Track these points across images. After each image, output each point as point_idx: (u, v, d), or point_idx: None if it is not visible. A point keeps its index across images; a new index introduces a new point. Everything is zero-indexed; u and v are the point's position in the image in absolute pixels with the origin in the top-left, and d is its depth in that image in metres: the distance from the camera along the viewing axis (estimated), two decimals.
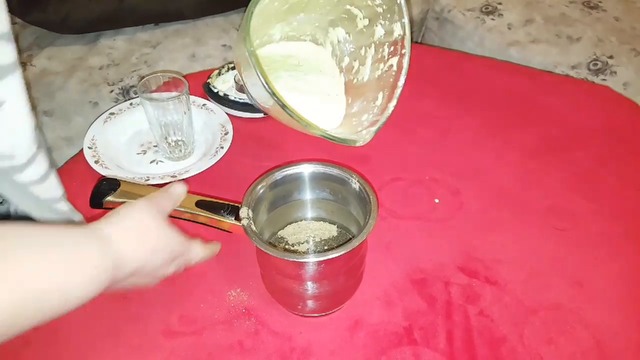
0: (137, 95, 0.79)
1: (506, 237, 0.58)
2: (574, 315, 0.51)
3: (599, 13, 1.04)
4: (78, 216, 0.54)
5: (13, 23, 1.03)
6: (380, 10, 0.47)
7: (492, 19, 1.06)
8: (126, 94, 0.88)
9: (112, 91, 0.87)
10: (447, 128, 0.72)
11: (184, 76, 0.68)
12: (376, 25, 0.47)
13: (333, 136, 0.48)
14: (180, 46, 0.95)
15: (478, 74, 0.83)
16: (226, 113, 0.71)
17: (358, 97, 0.52)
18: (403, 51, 0.46)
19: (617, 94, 0.80)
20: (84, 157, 0.64)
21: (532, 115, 0.75)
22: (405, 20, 0.44)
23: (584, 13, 1.05)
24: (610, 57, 0.96)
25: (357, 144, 0.49)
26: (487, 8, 1.09)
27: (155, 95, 0.64)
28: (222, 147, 0.66)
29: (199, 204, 0.49)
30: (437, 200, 0.62)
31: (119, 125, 0.70)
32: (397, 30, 0.46)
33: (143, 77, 0.64)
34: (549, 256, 0.56)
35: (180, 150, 0.67)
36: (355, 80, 0.51)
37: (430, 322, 0.50)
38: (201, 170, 0.63)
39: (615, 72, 0.94)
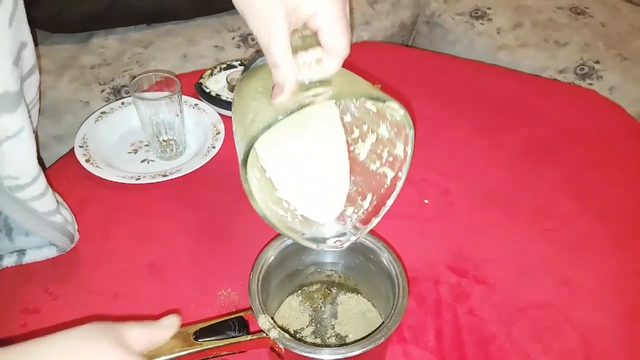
0: (128, 95, 0.79)
1: (495, 237, 0.59)
2: (562, 314, 0.52)
3: (586, 19, 1.06)
4: (71, 226, 0.54)
5: None
6: (390, 119, 0.44)
7: (482, 24, 1.08)
8: (117, 93, 0.87)
9: (103, 90, 0.87)
10: (437, 130, 0.73)
11: (176, 76, 0.68)
12: (383, 123, 0.43)
13: (320, 246, 0.44)
14: (172, 46, 0.94)
15: (468, 77, 0.84)
16: (218, 113, 0.71)
17: (351, 172, 0.46)
18: (399, 174, 0.42)
19: (603, 97, 0.81)
20: (75, 156, 0.64)
21: (520, 118, 0.76)
22: (410, 150, 0.40)
23: (572, 18, 1.06)
24: (597, 62, 0.97)
25: (335, 250, 0.45)
26: (477, 13, 1.10)
27: (147, 94, 0.64)
28: (213, 147, 0.66)
29: (198, 335, 0.40)
30: (426, 201, 0.63)
31: (110, 124, 0.69)
32: (400, 150, 0.43)
33: (135, 77, 0.64)
34: (537, 256, 0.57)
35: (172, 150, 0.67)
36: (352, 149, 0.45)
37: (419, 320, 0.51)
38: (192, 170, 0.63)
39: (602, 77, 0.96)
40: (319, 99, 0.35)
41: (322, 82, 0.37)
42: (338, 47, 0.37)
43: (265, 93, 0.38)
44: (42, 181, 0.49)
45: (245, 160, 0.37)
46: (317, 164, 0.45)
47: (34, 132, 0.57)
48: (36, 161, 0.48)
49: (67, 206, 0.56)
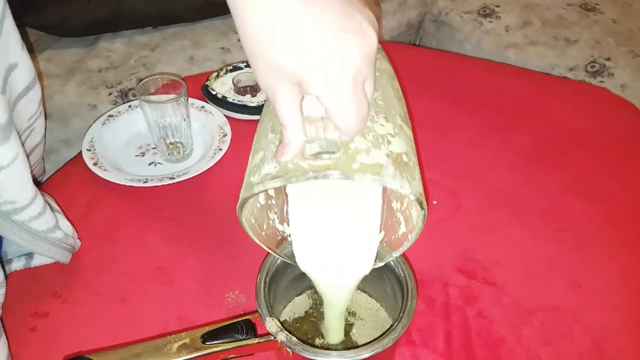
0: (135, 98, 0.80)
1: (504, 238, 0.58)
2: (572, 316, 0.51)
3: (596, 15, 1.05)
4: (72, 240, 0.54)
5: None
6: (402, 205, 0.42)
7: (490, 22, 1.07)
8: (125, 96, 0.88)
9: (110, 94, 0.88)
10: (445, 129, 0.73)
11: (183, 78, 0.68)
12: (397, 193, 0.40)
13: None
14: (178, 49, 0.95)
15: (476, 76, 0.83)
16: (225, 115, 0.71)
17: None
18: (409, 236, 0.40)
19: (614, 95, 0.80)
20: (83, 160, 0.64)
21: (530, 117, 0.75)
22: (421, 223, 0.37)
23: (581, 15, 1.05)
24: (608, 59, 0.96)
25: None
26: (485, 11, 1.09)
27: (153, 97, 0.64)
28: (220, 149, 0.66)
29: (206, 338, 0.40)
30: (435, 202, 0.62)
31: (117, 128, 0.70)
32: (414, 214, 0.40)
33: (142, 80, 0.64)
34: (547, 257, 0.57)
35: (179, 152, 0.67)
36: None
37: (428, 323, 0.50)
38: (199, 172, 0.63)
39: (613, 74, 0.94)
40: (321, 173, 0.32)
41: (331, 149, 0.33)
42: (344, 128, 0.33)
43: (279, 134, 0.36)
44: (40, 201, 0.49)
45: (241, 207, 0.37)
46: (346, 227, 0.41)
47: (43, 140, 0.58)
48: (31, 183, 0.47)
49: (66, 218, 0.55)
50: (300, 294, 0.51)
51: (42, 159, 0.67)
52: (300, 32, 0.30)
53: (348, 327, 0.49)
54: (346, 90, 0.32)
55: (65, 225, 0.54)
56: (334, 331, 0.46)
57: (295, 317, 0.50)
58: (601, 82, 0.94)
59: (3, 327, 0.48)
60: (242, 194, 0.36)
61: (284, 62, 0.31)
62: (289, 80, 0.32)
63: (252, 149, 0.38)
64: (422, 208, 0.35)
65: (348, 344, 0.48)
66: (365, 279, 0.49)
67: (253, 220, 0.41)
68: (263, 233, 0.42)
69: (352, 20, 0.31)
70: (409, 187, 0.33)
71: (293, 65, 0.31)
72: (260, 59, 0.32)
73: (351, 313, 0.50)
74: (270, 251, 0.43)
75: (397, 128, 0.36)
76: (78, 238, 0.56)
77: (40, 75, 0.90)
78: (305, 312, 0.50)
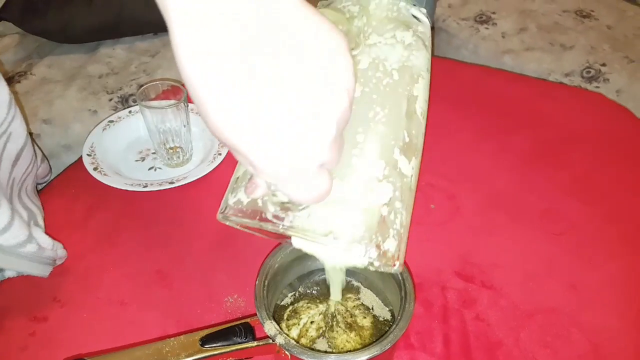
0: (135, 104, 0.80)
1: (502, 241, 0.59)
2: (570, 319, 0.51)
3: (591, 21, 1.06)
4: (50, 252, 0.53)
5: (14, 32, 1.04)
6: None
7: (487, 28, 1.08)
8: (125, 102, 0.88)
9: (111, 99, 0.88)
10: (443, 134, 0.73)
11: (183, 84, 0.68)
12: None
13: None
14: None
15: (473, 81, 0.84)
16: None
17: None
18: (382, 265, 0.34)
19: (610, 100, 0.81)
20: (83, 164, 0.64)
21: (527, 121, 0.75)
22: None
23: (577, 21, 1.06)
24: (603, 64, 0.97)
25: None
26: (482, 17, 1.10)
27: (154, 103, 0.65)
28: (220, 154, 0.66)
29: (204, 341, 0.40)
30: (433, 206, 0.63)
31: (117, 133, 0.70)
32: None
33: (142, 86, 0.65)
34: (545, 260, 0.57)
35: (179, 157, 0.67)
36: None
37: (426, 326, 0.51)
38: (199, 177, 0.63)
39: (608, 80, 0.95)
40: (281, 225, 0.30)
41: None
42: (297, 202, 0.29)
43: None
44: (5, 214, 0.47)
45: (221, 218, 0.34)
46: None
47: (28, 140, 0.55)
48: None
49: (42, 231, 0.53)
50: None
51: (45, 158, 0.66)
52: (242, 95, 0.23)
53: (354, 291, 0.49)
54: (300, 181, 0.26)
55: (42, 237, 0.52)
56: (334, 284, 0.45)
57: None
58: (597, 87, 0.95)
59: None
60: (221, 210, 0.33)
61: (225, 136, 0.24)
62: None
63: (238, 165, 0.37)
64: (391, 271, 0.32)
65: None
66: (365, 283, 0.50)
67: (241, 215, 0.38)
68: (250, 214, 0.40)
69: (310, 75, 0.24)
70: (375, 252, 0.30)
71: (234, 142, 0.25)
72: (202, 114, 0.25)
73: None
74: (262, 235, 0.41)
75: (389, 167, 0.32)
76: (64, 248, 0.55)
77: (41, 81, 0.91)
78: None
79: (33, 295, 0.53)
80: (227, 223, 0.34)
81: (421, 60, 0.37)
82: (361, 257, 0.29)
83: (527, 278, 0.55)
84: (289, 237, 0.39)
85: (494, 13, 1.10)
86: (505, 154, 0.70)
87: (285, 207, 0.30)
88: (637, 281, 0.55)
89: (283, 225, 0.30)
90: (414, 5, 0.39)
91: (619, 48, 0.99)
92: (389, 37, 0.37)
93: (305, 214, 0.30)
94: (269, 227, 0.30)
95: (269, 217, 0.30)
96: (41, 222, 0.56)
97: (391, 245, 0.31)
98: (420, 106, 0.37)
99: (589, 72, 0.97)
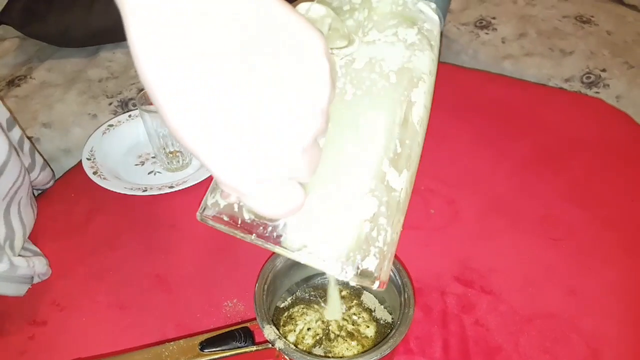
0: (135, 108, 0.80)
1: (501, 246, 0.59)
2: (569, 324, 0.51)
3: (591, 27, 1.06)
4: (24, 270, 0.51)
5: (14, 36, 1.05)
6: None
7: (486, 33, 1.08)
8: (125, 106, 0.88)
9: (111, 103, 0.88)
10: (442, 139, 0.73)
11: None
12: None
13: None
14: None
15: (472, 86, 0.84)
16: None
17: None
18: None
19: (610, 106, 0.81)
20: (83, 168, 0.64)
21: (526, 127, 0.76)
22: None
23: (577, 27, 1.06)
24: (603, 70, 0.97)
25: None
26: (482, 22, 1.10)
27: (153, 107, 0.65)
28: None
29: (204, 346, 0.40)
30: (432, 211, 0.63)
31: (117, 137, 0.70)
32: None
33: (142, 89, 0.65)
34: (544, 265, 0.57)
35: (178, 161, 0.67)
36: None
37: (426, 331, 0.50)
38: (198, 181, 0.64)
39: (608, 85, 0.95)
40: (253, 236, 0.28)
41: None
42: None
43: None
44: None
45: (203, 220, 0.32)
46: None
47: (12, 152, 0.53)
48: None
49: (18, 250, 0.51)
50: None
51: (47, 165, 0.65)
52: (202, 92, 0.21)
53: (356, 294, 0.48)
54: (266, 195, 0.24)
55: (15, 258, 0.50)
56: (330, 299, 0.45)
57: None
58: (597, 92, 0.95)
59: None
60: (200, 210, 0.32)
61: (183, 141, 0.22)
62: None
63: None
64: (366, 285, 0.29)
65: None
66: (365, 288, 0.49)
67: (226, 218, 0.33)
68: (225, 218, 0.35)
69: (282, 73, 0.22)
70: (352, 270, 0.28)
71: (192, 148, 0.22)
72: (160, 114, 0.23)
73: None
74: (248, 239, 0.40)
75: (374, 180, 0.29)
76: (47, 264, 0.54)
77: (41, 85, 0.91)
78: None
79: (32, 299, 0.53)
80: (207, 223, 0.32)
81: (424, 61, 0.34)
82: (337, 274, 0.27)
83: (526, 283, 0.55)
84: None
85: (494, 18, 1.10)
86: (504, 159, 0.70)
87: (259, 215, 0.27)
88: (637, 286, 0.55)
89: (255, 235, 0.28)
90: None
91: (618, 54, 1.00)
92: (390, 35, 0.33)
93: (281, 224, 0.27)
94: (240, 235, 0.28)
95: (241, 225, 0.28)
96: (19, 242, 0.53)
97: (371, 264, 0.28)
98: (418, 113, 0.33)
99: (588, 77, 0.97)
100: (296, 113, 0.22)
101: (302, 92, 0.22)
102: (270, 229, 0.27)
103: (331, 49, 0.30)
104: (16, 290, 0.51)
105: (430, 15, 0.36)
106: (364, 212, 0.28)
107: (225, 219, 0.29)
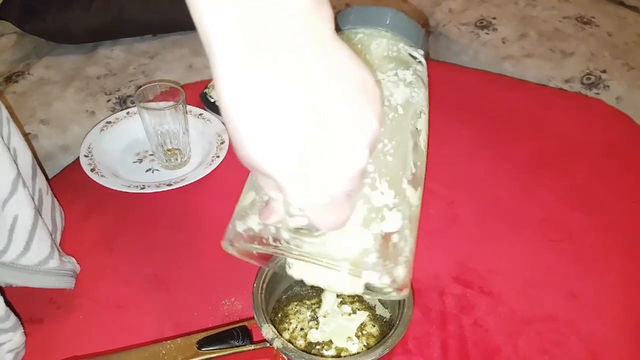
0: (133, 105, 0.80)
1: (501, 248, 0.59)
2: (568, 327, 0.51)
3: (592, 28, 1.06)
4: (70, 265, 0.53)
5: (12, 32, 1.04)
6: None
7: (487, 34, 1.08)
8: (123, 103, 0.88)
9: (109, 100, 0.88)
10: (442, 140, 0.73)
11: (182, 86, 0.68)
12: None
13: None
14: (178, 57, 0.95)
15: (473, 87, 0.84)
16: (222, 123, 0.71)
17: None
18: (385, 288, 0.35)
19: (610, 107, 0.81)
20: (80, 166, 0.64)
21: (526, 128, 0.75)
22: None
23: (577, 28, 1.06)
24: (603, 71, 0.97)
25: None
26: (482, 23, 1.10)
27: (152, 104, 0.65)
28: (218, 156, 0.66)
29: (201, 344, 0.40)
30: (431, 212, 0.63)
31: (115, 134, 0.70)
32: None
33: (140, 87, 0.64)
34: (543, 267, 0.57)
35: (177, 159, 0.67)
36: None
37: (424, 331, 0.50)
38: (197, 179, 0.63)
39: (608, 86, 0.95)
40: (297, 252, 0.30)
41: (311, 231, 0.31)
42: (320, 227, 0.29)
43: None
44: (23, 236, 0.47)
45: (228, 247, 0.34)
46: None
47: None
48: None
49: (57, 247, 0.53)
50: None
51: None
52: (274, 114, 0.24)
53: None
54: (326, 207, 0.27)
55: (64, 255, 0.52)
56: (326, 301, 0.46)
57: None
58: (597, 94, 0.95)
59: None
60: (228, 237, 0.34)
61: (262, 167, 0.25)
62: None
63: (247, 181, 0.37)
64: (400, 296, 0.33)
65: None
66: None
67: (253, 242, 0.37)
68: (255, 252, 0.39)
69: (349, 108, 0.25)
70: (388, 278, 0.31)
71: (271, 173, 0.25)
72: (236, 144, 0.26)
73: None
74: (261, 265, 0.42)
75: (399, 197, 0.33)
76: (77, 263, 0.54)
77: (39, 82, 0.91)
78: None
79: (29, 297, 0.52)
80: (230, 251, 0.35)
81: (422, 96, 0.40)
82: (375, 283, 0.30)
83: (525, 285, 0.55)
84: (282, 264, 0.40)
85: (494, 19, 1.10)
86: (504, 161, 0.70)
87: (300, 232, 0.30)
88: (636, 290, 0.55)
89: (300, 251, 0.30)
90: (411, 46, 0.41)
91: (619, 55, 1.00)
92: (392, 75, 0.38)
93: (320, 240, 0.30)
94: (284, 253, 0.31)
95: (283, 243, 0.31)
96: (58, 237, 0.56)
97: (401, 272, 0.31)
98: (423, 139, 0.39)
99: (589, 78, 0.97)
100: (362, 132, 0.26)
101: (366, 113, 0.26)
102: (310, 245, 0.30)
103: None
104: (67, 283, 0.52)
105: (420, 59, 0.42)
106: (393, 225, 0.32)
107: (260, 243, 0.32)
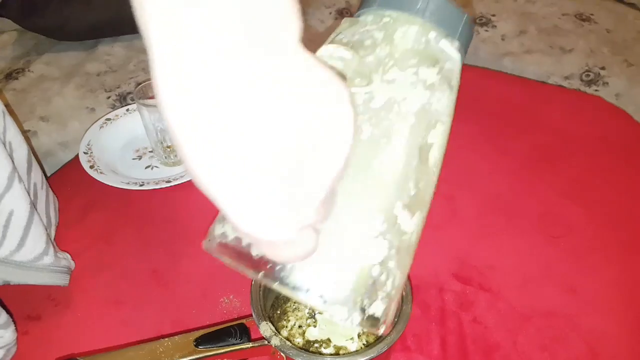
0: (133, 102, 0.80)
1: (500, 244, 0.59)
2: (568, 322, 0.51)
3: (591, 25, 1.06)
4: (65, 262, 0.52)
5: (12, 29, 1.04)
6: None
7: (486, 30, 1.07)
8: (123, 100, 0.88)
9: (109, 97, 0.88)
10: (444, 153, 0.73)
11: None
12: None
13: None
14: None
15: (472, 83, 0.83)
16: None
17: None
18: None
19: (609, 104, 0.81)
20: (79, 162, 0.64)
21: (526, 124, 0.75)
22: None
23: (577, 25, 1.06)
24: (603, 68, 0.97)
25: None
26: (481, 19, 1.10)
27: (152, 101, 0.65)
28: None
29: (199, 342, 0.40)
30: None
31: (114, 131, 0.70)
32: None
33: (140, 83, 0.64)
34: (543, 263, 0.57)
35: (176, 156, 0.67)
36: None
37: (423, 328, 0.50)
38: None
39: (608, 83, 0.95)
40: (260, 274, 0.27)
41: None
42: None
43: None
44: (18, 232, 0.47)
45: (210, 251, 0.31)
46: None
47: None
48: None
49: (53, 242, 0.53)
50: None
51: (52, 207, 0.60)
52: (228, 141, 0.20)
53: None
54: (280, 243, 0.23)
55: (59, 252, 0.52)
56: None
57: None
58: (596, 90, 0.95)
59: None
60: (205, 241, 0.31)
61: (201, 186, 0.23)
62: None
63: None
64: (372, 331, 0.29)
65: None
66: None
67: (223, 251, 0.33)
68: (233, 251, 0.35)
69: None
70: (358, 316, 0.27)
71: (210, 194, 0.23)
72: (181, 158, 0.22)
73: None
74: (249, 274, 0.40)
75: (386, 224, 0.28)
76: (72, 259, 0.54)
77: (39, 79, 0.90)
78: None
79: (26, 294, 0.52)
80: (213, 254, 0.31)
81: (443, 102, 0.34)
82: (343, 320, 0.26)
83: (525, 281, 0.55)
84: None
85: (493, 15, 1.10)
86: (503, 156, 0.70)
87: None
88: (635, 284, 0.55)
89: (262, 274, 0.27)
90: (447, 37, 0.34)
91: (618, 52, 0.99)
92: (411, 74, 0.32)
93: (290, 265, 0.26)
94: (246, 271, 0.27)
95: (248, 261, 0.27)
96: (52, 233, 0.55)
97: (378, 309, 0.28)
98: (434, 155, 0.33)
99: (588, 75, 0.97)
100: (321, 164, 0.21)
101: (329, 141, 0.21)
102: (278, 267, 0.26)
103: (351, 87, 0.30)
104: (62, 280, 0.52)
105: (452, 54, 0.35)
106: (373, 256, 0.28)
107: (232, 253, 0.28)
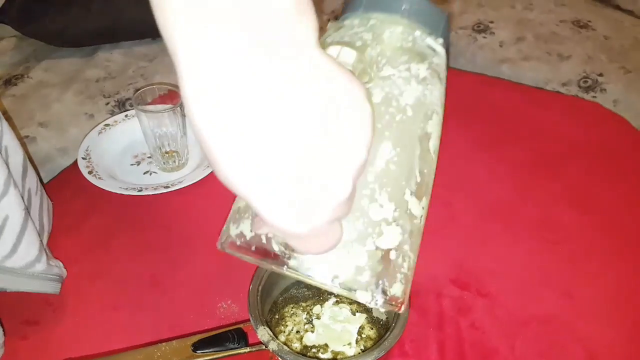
0: (132, 108, 0.80)
1: (498, 250, 0.59)
2: (566, 328, 0.51)
3: (588, 32, 1.06)
4: (57, 270, 0.52)
5: (11, 35, 1.04)
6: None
7: (484, 37, 1.08)
8: (122, 106, 0.88)
9: (108, 103, 0.88)
10: (440, 142, 0.73)
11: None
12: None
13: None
14: None
15: (470, 89, 0.84)
16: None
17: None
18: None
19: (607, 110, 0.81)
20: (78, 168, 0.64)
21: (523, 130, 0.75)
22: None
23: (574, 31, 1.06)
24: (600, 74, 0.97)
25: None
26: (479, 26, 1.11)
27: (150, 107, 0.65)
28: None
29: (197, 347, 0.40)
30: None
31: (113, 137, 0.70)
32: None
33: (139, 89, 0.65)
34: (541, 268, 0.57)
35: (174, 162, 0.67)
36: None
37: (421, 333, 0.50)
38: (194, 181, 0.63)
39: (605, 90, 0.96)
40: (285, 267, 0.29)
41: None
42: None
43: None
44: (11, 236, 0.46)
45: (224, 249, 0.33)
46: None
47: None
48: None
49: (45, 250, 0.52)
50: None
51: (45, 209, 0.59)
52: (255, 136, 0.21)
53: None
54: (307, 236, 0.24)
55: (51, 259, 0.51)
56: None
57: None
58: (594, 97, 0.95)
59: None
60: (221, 240, 0.33)
61: (230, 182, 0.23)
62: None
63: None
64: (394, 310, 0.31)
65: None
66: None
67: (242, 249, 0.35)
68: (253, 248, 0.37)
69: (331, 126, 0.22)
70: (381, 298, 0.29)
71: (244, 195, 0.23)
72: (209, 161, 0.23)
73: None
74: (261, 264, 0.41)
75: (399, 210, 0.31)
76: (64, 267, 0.54)
77: (38, 85, 0.91)
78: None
79: (25, 299, 0.52)
80: (227, 252, 0.33)
81: (436, 94, 0.36)
82: (367, 302, 0.29)
83: (522, 286, 0.55)
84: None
85: (491, 22, 1.11)
86: (501, 163, 0.70)
87: (290, 247, 0.28)
88: (633, 291, 0.55)
89: (287, 266, 0.29)
90: (430, 34, 0.36)
91: (615, 58, 1.00)
92: (403, 70, 0.35)
93: (312, 256, 0.28)
94: (271, 266, 0.29)
95: (272, 256, 0.29)
96: (45, 240, 0.55)
97: (398, 289, 0.30)
98: (433, 144, 0.36)
99: (586, 81, 0.97)
100: (347, 161, 0.23)
101: (352, 139, 0.23)
102: (300, 260, 0.28)
103: None
104: (53, 288, 0.51)
105: (439, 50, 0.37)
106: (390, 241, 0.30)
107: (251, 250, 0.30)
